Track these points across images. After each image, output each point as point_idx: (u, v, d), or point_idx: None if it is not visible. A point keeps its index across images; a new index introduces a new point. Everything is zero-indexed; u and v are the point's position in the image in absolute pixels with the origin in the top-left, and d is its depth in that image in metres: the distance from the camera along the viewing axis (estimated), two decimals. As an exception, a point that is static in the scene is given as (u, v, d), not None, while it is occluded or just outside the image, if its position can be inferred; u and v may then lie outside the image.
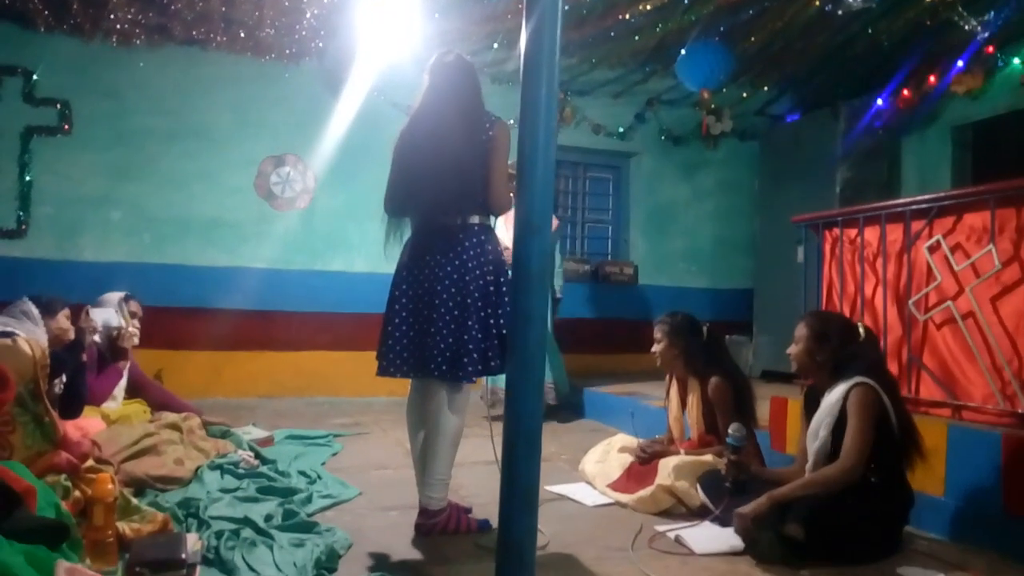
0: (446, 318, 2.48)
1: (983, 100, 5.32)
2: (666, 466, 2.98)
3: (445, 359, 2.47)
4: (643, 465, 3.12)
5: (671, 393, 3.39)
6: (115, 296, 3.81)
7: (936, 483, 2.73)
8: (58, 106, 5.16)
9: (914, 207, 3.26)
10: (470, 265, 2.51)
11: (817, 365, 2.62)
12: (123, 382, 3.67)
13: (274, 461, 3.34)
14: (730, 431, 2.69)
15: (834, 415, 2.48)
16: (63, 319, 3.00)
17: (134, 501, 2.35)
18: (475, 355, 2.47)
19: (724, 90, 5.81)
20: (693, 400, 3.23)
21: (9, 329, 2.59)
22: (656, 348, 3.32)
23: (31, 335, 2.66)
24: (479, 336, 2.48)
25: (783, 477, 2.63)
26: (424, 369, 2.51)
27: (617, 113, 6.50)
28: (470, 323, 2.47)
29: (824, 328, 2.62)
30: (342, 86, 5.58)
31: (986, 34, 4.75)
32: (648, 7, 4.65)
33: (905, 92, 5.58)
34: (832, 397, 2.52)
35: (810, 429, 2.59)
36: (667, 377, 3.44)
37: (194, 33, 5.20)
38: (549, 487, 3.13)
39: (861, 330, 2.61)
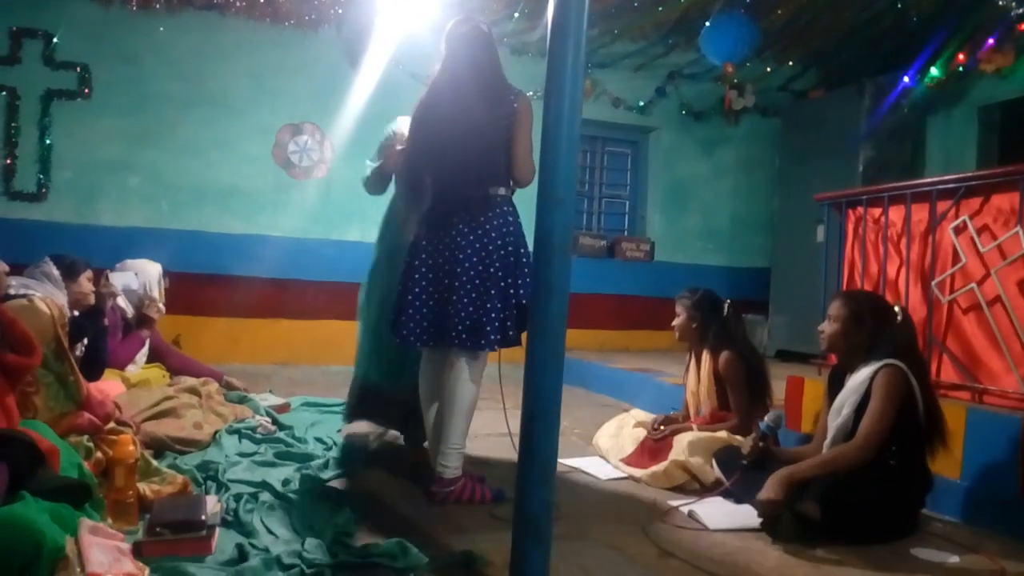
0: (467, 287, 2.49)
1: (1012, 79, 5.22)
2: (680, 442, 2.98)
3: (465, 328, 2.48)
4: (657, 442, 3.13)
5: (690, 367, 3.39)
6: (155, 269, 3.77)
7: (953, 466, 2.71)
8: (77, 70, 5.16)
9: (941, 187, 3.21)
10: (493, 235, 2.52)
11: (851, 346, 2.58)
12: (145, 349, 3.71)
13: (291, 427, 3.36)
14: (767, 418, 2.70)
15: (859, 394, 2.46)
16: (84, 281, 3.01)
17: (154, 463, 2.38)
18: (496, 324, 2.48)
19: (748, 64, 5.72)
20: (705, 374, 3.24)
21: (27, 291, 2.60)
22: (676, 322, 3.35)
23: (49, 294, 2.67)
24: (499, 306, 2.49)
25: (799, 456, 2.63)
26: (444, 338, 2.52)
27: (637, 87, 6.43)
28: (492, 292, 2.49)
29: (862, 309, 2.57)
30: (361, 55, 5.54)
31: (1020, 10, 4.63)
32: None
33: (932, 70, 5.47)
34: (860, 376, 2.50)
35: (833, 406, 2.57)
36: (688, 352, 3.44)
37: (213, -2, 5.17)
38: (562, 460, 3.13)
39: (898, 311, 2.58)
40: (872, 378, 2.45)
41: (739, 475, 2.62)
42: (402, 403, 3.00)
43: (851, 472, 2.36)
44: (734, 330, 3.25)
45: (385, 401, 3.09)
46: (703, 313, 3.26)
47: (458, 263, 2.50)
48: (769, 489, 2.37)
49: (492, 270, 2.50)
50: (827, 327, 2.65)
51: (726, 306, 3.28)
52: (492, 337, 2.48)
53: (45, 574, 1.57)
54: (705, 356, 3.27)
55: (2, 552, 1.51)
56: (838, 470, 2.38)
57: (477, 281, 2.49)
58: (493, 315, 2.48)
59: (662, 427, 3.22)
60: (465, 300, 2.49)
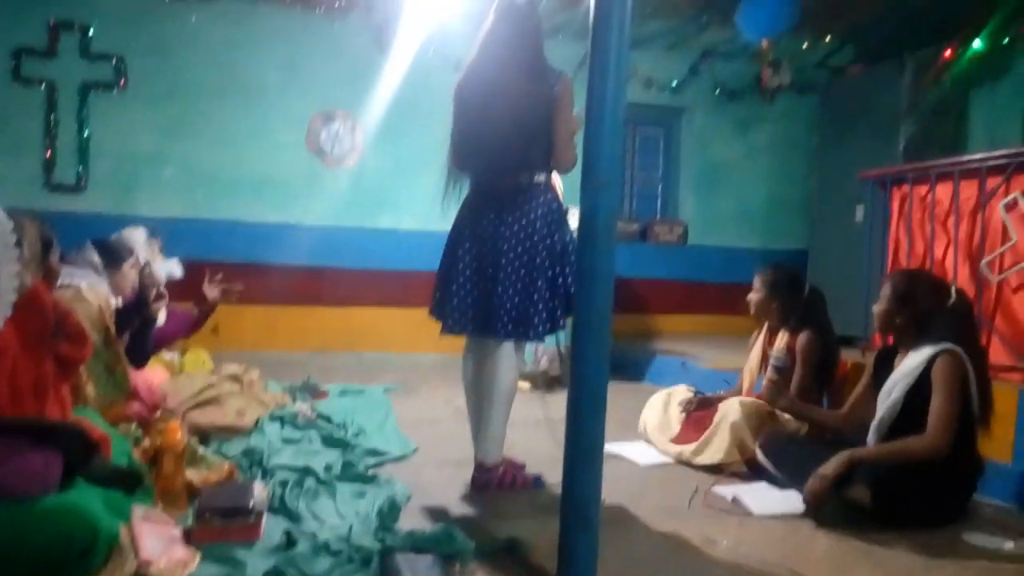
0: (512, 278, 2.45)
1: (1061, 51, 5.03)
2: (730, 403, 2.98)
3: (511, 319, 2.45)
4: (703, 410, 3.12)
5: (755, 344, 3.36)
6: (140, 234, 3.59)
7: (1004, 449, 2.65)
8: (113, 61, 5.21)
9: (991, 163, 3.12)
10: (538, 224, 2.47)
11: (898, 327, 2.52)
12: None
13: (330, 416, 3.38)
14: (775, 354, 2.81)
15: (912, 378, 2.39)
16: (128, 270, 2.98)
17: (201, 450, 2.41)
18: (544, 314, 2.45)
19: (783, 41, 5.59)
20: (779, 351, 3.19)
21: (72, 282, 2.62)
22: (752, 296, 3.29)
23: (94, 286, 2.69)
24: (547, 296, 2.46)
25: (827, 418, 2.64)
26: (489, 328, 2.49)
27: (670, 66, 6.32)
28: (539, 283, 2.45)
29: (908, 288, 2.50)
30: (391, 41, 5.51)
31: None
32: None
33: (975, 43, 5.29)
34: (914, 360, 2.42)
35: (884, 388, 2.50)
36: (758, 328, 3.40)
37: (244, -14, 5.17)
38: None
39: (953, 292, 2.50)
40: (927, 364, 2.38)
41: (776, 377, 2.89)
42: None
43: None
44: (817, 311, 3.19)
45: None
46: (783, 293, 3.19)
47: (502, 254, 2.46)
48: (829, 466, 2.33)
49: (538, 260, 2.45)
50: (876, 307, 2.59)
51: (807, 287, 3.21)
52: (539, 328, 2.45)
53: (101, 560, 1.60)
54: (782, 334, 3.21)
55: (61, 539, 1.55)
56: (908, 462, 2.32)
57: (523, 271, 2.45)
58: (540, 305, 2.44)
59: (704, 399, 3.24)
60: (511, 291, 2.45)
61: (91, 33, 5.17)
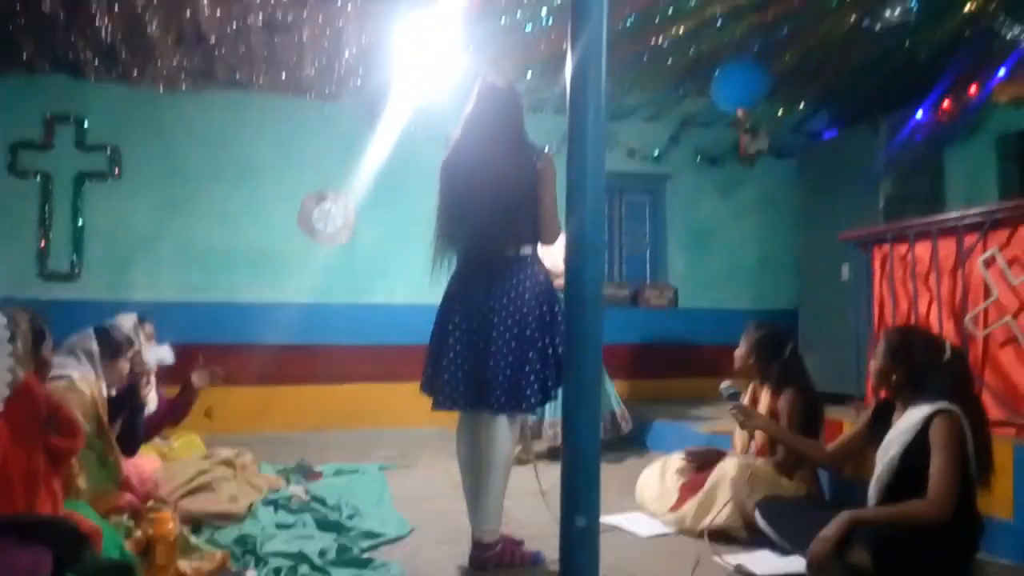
0: (503, 350, 2.48)
1: (1029, 109, 5.20)
2: (726, 463, 2.98)
3: (504, 391, 2.46)
4: (697, 472, 3.11)
5: (745, 400, 3.37)
6: (129, 320, 3.46)
7: (1004, 505, 2.62)
8: (108, 151, 5.33)
9: (967, 221, 3.19)
10: (526, 296, 2.51)
11: (894, 383, 2.52)
12: None
13: (324, 498, 3.33)
14: (722, 386, 2.95)
15: (908, 438, 2.38)
16: (124, 363, 2.92)
17: (193, 539, 2.37)
18: (535, 385, 2.46)
19: (759, 108, 5.77)
20: (763, 410, 3.20)
21: (65, 372, 2.61)
22: (737, 352, 3.35)
23: (86, 374, 2.68)
24: (539, 366, 2.48)
25: (808, 449, 2.75)
26: (482, 402, 2.49)
27: (651, 136, 6.50)
28: (530, 354, 2.47)
29: (903, 344, 2.51)
30: (380, 120, 5.67)
31: (1030, 42, 4.65)
32: (681, 31, 4.66)
33: (946, 104, 5.47)
34: (911, 419, 2.41)
35: (882, 444, 2.49)
36: (748, 386, 3.43)
37: (236, 75, 5.34)
38: (601, 517, 3.07)
39: (947, 348, 2.51)
40: (924, 423, 2.36)
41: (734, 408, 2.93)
42: None
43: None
44: (796, 371, 3.23)
45: None
46: (763, 351, 3.24)
47: (493, 327, 2.49)
48: (830, 529, 2.31)
49: (528, 332, 2.48)
50: (871, 364, 2.61)
51: (789, 348, 3.25)
52: (532, 399, 2.46)
53: (91, 658, 1.57)
54: (765, 393, 3.25)
55: (50, 638, 1.51)
56: (910, 526, 2.30)
57: (513, 344, 2.48)
58: (532, 377, 2.46)
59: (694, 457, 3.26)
60: (502, 364, 2.47)
61: (86, 125, 5.31)
